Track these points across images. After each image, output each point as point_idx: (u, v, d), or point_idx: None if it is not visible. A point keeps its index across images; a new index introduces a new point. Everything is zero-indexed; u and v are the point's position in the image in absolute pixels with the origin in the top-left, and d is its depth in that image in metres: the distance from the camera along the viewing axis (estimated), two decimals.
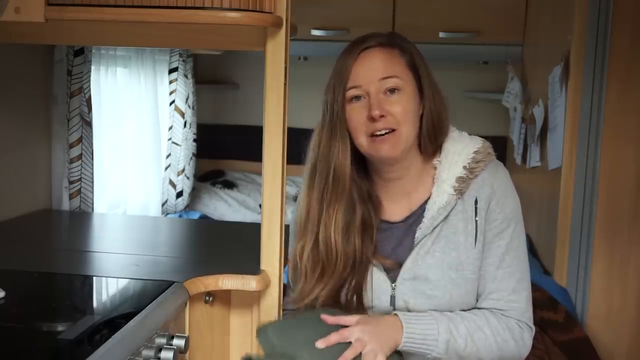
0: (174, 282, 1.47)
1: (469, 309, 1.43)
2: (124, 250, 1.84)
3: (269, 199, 1.52)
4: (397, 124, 1.37)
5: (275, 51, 1.47)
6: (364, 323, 1.33)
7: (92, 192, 2.37)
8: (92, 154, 2.36)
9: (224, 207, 3.71)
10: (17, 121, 2.13)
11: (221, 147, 4.18)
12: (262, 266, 1.53)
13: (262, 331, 1.35)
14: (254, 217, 3.51)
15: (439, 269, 1.39)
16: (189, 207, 3.65)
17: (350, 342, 1.30)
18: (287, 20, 1.46)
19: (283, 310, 1.57)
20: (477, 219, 1.40)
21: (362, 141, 1.39)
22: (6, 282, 1.39)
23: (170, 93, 3.43)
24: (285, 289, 1.59)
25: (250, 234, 1.75)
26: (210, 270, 1.54)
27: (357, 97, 1.39)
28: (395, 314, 1.37)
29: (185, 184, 3.57)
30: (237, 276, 1.51)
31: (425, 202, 1.43)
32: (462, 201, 1.41)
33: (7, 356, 1.12)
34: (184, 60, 3.47)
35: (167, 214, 3.44)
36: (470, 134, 1.48)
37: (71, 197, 2.30)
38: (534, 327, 1.45)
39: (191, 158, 3.64)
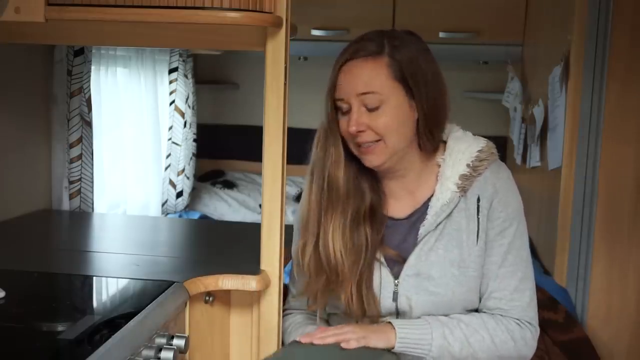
0: (174, 282, 1.47)
1: (471, 308, 1.43)
2: (124, 250, 1.84)
3: (269, 199, 1.52)
4: (378, 136, 1.38)
5: (275, 51, 1.47)
6: (356, 326, 1.39)
7: (92, 192, 2.36)
8: (92, 154, 2.36)
9: (224, 207, 3.71)
10: (17, 121, 2.13)
11: (221, 147, 4.18)
12: (262, 266, 1.53)
13: None
14: (254, 217, 3.51)
15: (442, 265, 1.40)
16: (189, 207, 3.65)
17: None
18: (287, 20, 1.46)
19: (284, 310, 1.58)
20: (479, 217, 1.41)
21: (352, 148, 1.42)
22: (6, 282, 1.39)
23: (170, 93, 3.43)
24: (286, 289, 1.59)
25: (250, 234, 1.75)
26: (210, 270, 1.54)
27: (345, 107, 1.40)
28: (389, 322, 1.38)
29: (185, 184, 3.57)
30: (237, 276, 1.51)
31: (429, 199, 1.44)
32: (465, 199, 1.42)
33: (7, 356, 1.12)
34: (184, 60, 3.47)
35: (167, 214, 3.44)
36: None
37: (71, 197, 2.30)
38: (537, 327, 1.45)
39: (191, 158, 3.64)
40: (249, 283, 1.50)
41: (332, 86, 1.40)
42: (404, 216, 1.47)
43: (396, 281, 1.43)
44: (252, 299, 1.57)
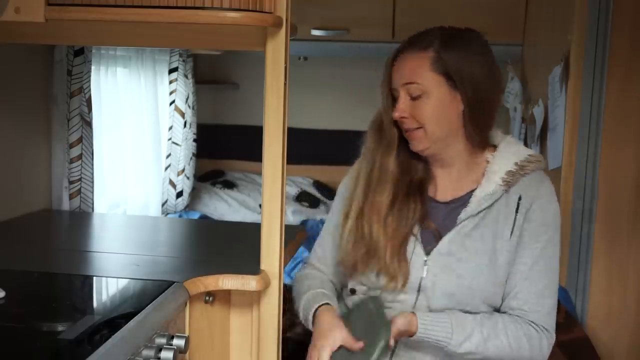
0: (174, 282, 1.47)
1: (489, 302, 1.46)
2: (124, 250, 1.84)
3: (269, 199, 1.52)
4: (419, 124, 1.46)
5: (275, 51, 1.47)
6: None
7: (92, 192, 2.36)
8: (92, 154, 2.36)
9: (224, 207, 3.71)
10: (17, 121, 2.13)
11: (221, 147, 4.18)
12: (262, 266, 1.53)
13: None
14: (254, 217, 3.51)
15: (474, 252, 1.45)
16: (189, 207, 3.65)
17: None
18: (287, 20, 1.46)
19: (284, 310, 1.58)
20: (517, 214, 1.46)
21: (404, 133, 1.50)
22: (6, 282, 1.39)
23: (170, 93, 3.43)
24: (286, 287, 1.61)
25: (250, 234, 1.75)
26: (210, 270, 1.54)
27: (395, 96, 1.49)
28: (413, 313, 1.43)
29: (185, 184, 3.57)
30: (237, 276, 1.51)
31: (472, 191, 1.49)
32: (507, 195, 1.47)
33: (7, 356, 1.12)
34: (184, 60, 3.48)
35: (167, 214, 3.44)
36: None
37: (71, 197, 2.30)
38: (554, 335, 1.49)
39: (191, 158, 3.64)
40: (249, 283, 1.50)
41: (387, 76, 1.50)
42: (446, 200, 1.52)
43: (427, 257, 1.47)
44: (252, 299, 1.57)
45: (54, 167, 2.29)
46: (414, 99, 1.46)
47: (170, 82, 3.43)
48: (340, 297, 1.61)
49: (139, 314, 1.28)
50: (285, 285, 1.59)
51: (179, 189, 3.52)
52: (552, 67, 2.59)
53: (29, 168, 2.20)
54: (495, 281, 1.45)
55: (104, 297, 1.52)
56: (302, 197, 3.82)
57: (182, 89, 3.47)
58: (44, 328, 1.25)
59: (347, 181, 1.61)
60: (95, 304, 1.48)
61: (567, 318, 2.31)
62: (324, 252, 1.63)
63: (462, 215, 1.47)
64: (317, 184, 3.97)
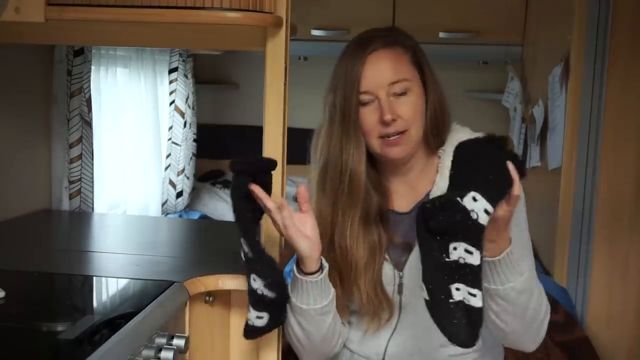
0: (174, 282, 1.46)
1: None
2: (124, 250, 1.84)
3: None
4: (407, 126, 1.39)
5: (275, 51, 1.47)
6: None
7: (92, 192, 2.36)
8: (92, 154, 2.36)
9: (224, 207, 3.71)
10: (17, 121, 2.13)
11: (221, 147, 4.18)
12: None
13: None
14: None
15: None
16: (189, 207, 3.65)
17: None
18: (287, 20, 1.46)
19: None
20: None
21: (374, 143, 1.41)
22: (6, 282, 1.39)
23: (170, 93, 3.43)
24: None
25: None
26: (210, 270, 1.54)
27: (367, 101, 1.39)
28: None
29: (185, 184, 3.57)
30: (237, 276, 1.51)
31: (430, 191, 1.44)
32: None
33: (7, 356, 1.12)
34: (184, 60, 3.47)
35: (167, 214, 3.44)
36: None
37: (71, 197, 2.30)
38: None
39: (191, 158, 3.64)
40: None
41: (356, 81, 1.38)
42: (406, 210, 1.47)
43: (400, 274, 1.44)
44: None
45: (54, 167, 2.29)
46: (398, 99, 1.38)
47: (170, 82, 3.43)
48: None
49: (139, 314, 1.28)
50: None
51: (179, 189, 3.52)
52: (552, 67, 2.59)
53: (29, 168, 2.20)
54: None
55: (104, 297, 1.52)
56: None
57: (182, 89, 3.47)
58: (44, 328, 1.24)
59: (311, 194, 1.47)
60: (95, 304, 1.48)
61: (567, 318, 2.31)
62: None
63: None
64: None
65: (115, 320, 1.25)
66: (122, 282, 1.53)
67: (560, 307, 2.31)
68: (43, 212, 2.23)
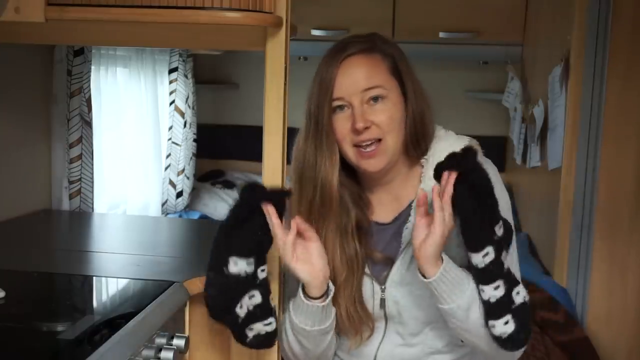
0: (174, 282, 1.47)
1: None
2: (124, 250, 1.84)
3: None
4: (382, 134, 1.35)
5: (275, 51, 1.47)
6: None
7: (92, 192, 2.37)
8: (92, 154, 2.36)
9: (224, 207, 3.69)
10: (17, 121, 2.13)
11: (221, 147, 4.18)
12: None
13: None
14: None
15: None
16: (189, 207, 3.65)
17: None
18: (287, 20, 1.46)
19: (283, 310, 1.57)
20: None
21: (348, 152, 1.38)
22: (6, 282, 1.39)
23: (170, 93, 3.43)
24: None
25: None
26: None
27: (341, 107, 1.37)
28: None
29: (185, 184, 3.57)
30: None
31: (413, 201, 1.41)
32: None
33: (7, 356, 1.12)
34: (184, 60, 3.47)
35: (167, 214, 3.44)
36: (470, 134, 1.47)
37: (71, 197, 2.30)
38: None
39: (191, 158, 3.64)
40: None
41: (328, 87, 1.35)
42: (389, 221, 1.45)
43: (382, 287, 1.42)
44: None
45: (54, 167, 2.29)
46: (372, 106, 1.35)
47: (170, 82, 3.42)
48: None
49: (139, 314, 1.28)
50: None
51: (179, 189, 3.52)
52: (552, 67, 2.59)
53: (29, 168, 2.20)
54: None
55: (104, 297, 1.52)
56: None
57: (182, 89, 3.47)
58: (44, 328, 1.25)
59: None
60: (95, 304, 1.48)
61: (567, 318, 2.31)
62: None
63: (406, 233, 1.39)
64: None
65: (115, 320, 1.25)
66: (122, 282, 1.53)
67: (560, 307, 2.31)
68: (43, 212, 2.23)
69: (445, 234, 1.26)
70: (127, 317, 1.26)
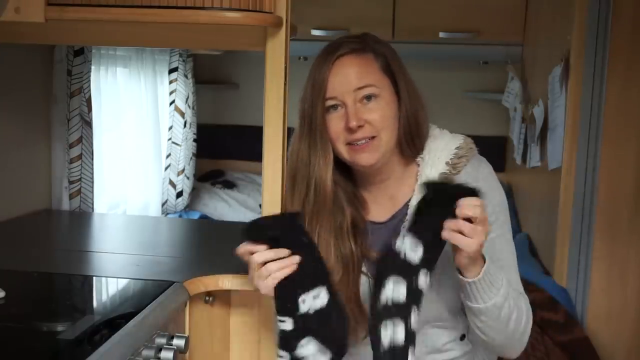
0: (174, 282, 1.47)
1: (455, 308, 1.42)
2: (124, 250, 1.84)
3: (269, 199, 1.52)
4: (375, 132, 1.36)
5: (275, 51, 1.47)
6: None
7: (92, 192, 2.37)
8: (92, 154, 2.36)
9: (224, 207, 3.71)
10: (17, 121, 2.13)
11: (221, 147, 4.18)
12: None
13: None
14: (253, 217, 3.50)
15: None
16: (189, 207, 3.65)
17: None
18: (287, 20, 1.46)
19: None
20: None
21: (342, 150, 1.38)
22: (6, 282, 1.39)
23: (170, 93, 3.44)
24: None
25: None
26: (210, 270, 1.54)
27: (334, 107, 1.37)
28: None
29: (185, 184, 3.57)
30: (237, 276, 1.51)
31: (410, 200, 1.42)
32: None
33: (7, 356, 1.12)
34: (184, 60, 3.48)
35: (167, 214, 3.44)
36: (470, 134, 1.47)
37: (71, 197, 2.30)
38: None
39: (191, 158, 3.65)
40: (249, 283, 1.50)
41: (321, 87, 1.36)
42: (384, 220, 1.45)
43: None
44: (252, 299, 1.57)
45: (54, 167, 2.29)
46: (366, 105, 1.35)
47: (170, 82, 3.43)
48: None
49: (139, 314, 1.29)
50: None
51: (179, 189, 3.52)
52: (552, 67, 2.59)
53: (29, 168, 2.20)
54: (453, 285, 1.37)
55: (104, 297, 1.52)
56: None
57: (182, 89, 3.47)
58: (44, 328, 1.25)
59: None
60: (95, 304, 1.48)
61: (567, 318, 2.30)
62: None
63: (403, 233, 1.37)
64: None
65: (115, 320, 1.25)
66: (122, 282, 1.53)
67: (560, 307, 2.31)
68: (43, 212, 2.23)
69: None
70: (127, 317, 1.26)
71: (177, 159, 3.49)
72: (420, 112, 1.42)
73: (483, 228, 1.22)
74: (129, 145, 3.07)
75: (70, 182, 2.29)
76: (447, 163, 1.40)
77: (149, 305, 1.33)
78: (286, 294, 1.29)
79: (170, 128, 3.45)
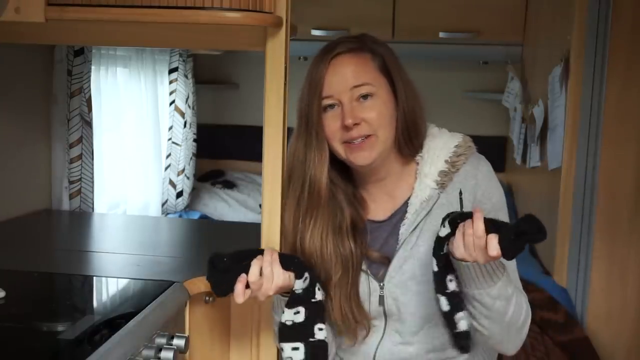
0: (174, 282, 1.47)
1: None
2: (124, 250, 1.84)
3: (269, 199, 1.52)
4: (372, 130, 1.36)
5: (275, 51, 1.47)
6: None
7: (92, 192, 2.37)
8: (92, 154, 2.36)
9: (224, 207, 3.71)
10: (17, 121, 2.13)
11: (221, 147, 4.18)
12: None
13: None
14: (254, 217, 3.51)
15: (425, 264, 1.38)
16: (189, 207, 3.65)
17: None
18: (287, 20, 1.46)
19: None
20: (462, 210, 1.38)
21: (338, 148, 1.39)
22: (6, 282, 1.39)
23: (170, 93, 3.44)
24: None
25: (250, 234, 1.75)
26: None
27: (331, 106, 1.38)
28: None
29: (185, 184, 3.57)
30: None
31: (409, 198, 1.43)
32: (446, 194, 1.41)
33: (7, 356, 1.12)
34: (184, 60, 3.48)
35: (167, 214, 3.44)
36: (470, 134, 1.48)
37: (71, 197, 2.30)
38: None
39: (191, 158, 3.65)
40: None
41: (318, 86, 1.37)
42: (384, 218, 1.46)
43: (381, 284, 1.42)
44: (252, 299, 1.57)
45: (54, 167, 2.29)
46: (362, 103, 1.36)
47: (170, 82, 3.43)
48: None
49: (139, 314, 1.29)
50: None
51: (179, 189, 3.52)
52: (552, 67, 2.59)
53: (29, 168, 2.20)
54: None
55: (104, 297, 1.52)
56: None
57: (182, 89, 3.47)
58: (44, 328, 1.25)
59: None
60: (95, 304, 1.48)
61: (567, 318, 2.31)
62: None
63: (403, 231, 1.40)
64: None
65: (115, 320, 1.25)
66: (122, 282, 1.53)
67: (560, 307, 2.31)
68: (43, 212, 2.23)
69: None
70: (127, 317, 1.26)
71: (177, 159, 3.49)
72: (417, 110, 1.42)
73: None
74: (129, 145, 3.07)
75: (70, 182, 2.29)
76: (446, 161, 1.41)
77: (149, 305, 1.33)
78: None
79: (170, 128, 3.45)
